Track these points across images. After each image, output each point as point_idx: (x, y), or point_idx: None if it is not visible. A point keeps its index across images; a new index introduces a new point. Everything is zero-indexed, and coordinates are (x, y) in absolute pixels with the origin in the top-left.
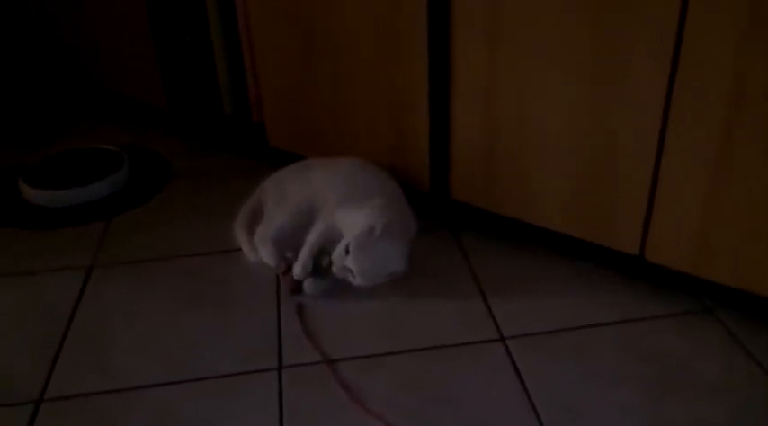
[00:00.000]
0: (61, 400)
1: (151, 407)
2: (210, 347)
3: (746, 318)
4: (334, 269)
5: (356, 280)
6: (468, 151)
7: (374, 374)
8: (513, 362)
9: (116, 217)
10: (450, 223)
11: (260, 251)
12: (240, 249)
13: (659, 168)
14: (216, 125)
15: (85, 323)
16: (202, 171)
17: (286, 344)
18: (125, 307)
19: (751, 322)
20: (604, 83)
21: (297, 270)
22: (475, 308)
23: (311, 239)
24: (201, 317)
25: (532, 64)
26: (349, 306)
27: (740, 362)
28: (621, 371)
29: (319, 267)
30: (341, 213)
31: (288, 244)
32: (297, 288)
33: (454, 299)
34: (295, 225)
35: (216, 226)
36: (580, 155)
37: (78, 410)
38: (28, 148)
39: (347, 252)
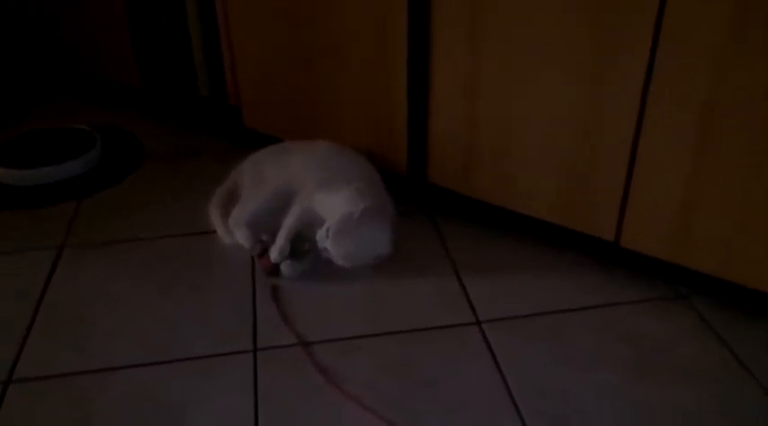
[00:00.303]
0: (32, 381)
1: (124, 388)
2: (185, 329)
3: (720, 305)
4: (320, 251)
5: (340, 262)
6: (447, 139)
7: (350, 357)
8: (489, 346)
9: (88, 197)
10: (428, 208)
11: (235, 233)
12: (215, 231)
13: (636, 156)
14: (191, 106)
15: (56, 303)
16: (177, 152)
17: (261, 326)
18: (97, 288)
19: (724, 308)
20: (579, 71)
21: (274, 253)
22: (451, 292)
23: (288, 223)
24: (176, 299)
25: (511, 60)
26: (325, 290)
27: (713, 348)
28: (596, 355)
29: (296, 250)
30: (319, 196)
31: (263, 226)
32: (273, 270)
33: (431, 283)
34: (271, 208)
35: (190, 208)
36: (558, 142)
37: (50, 390)
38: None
39: (328, 236)
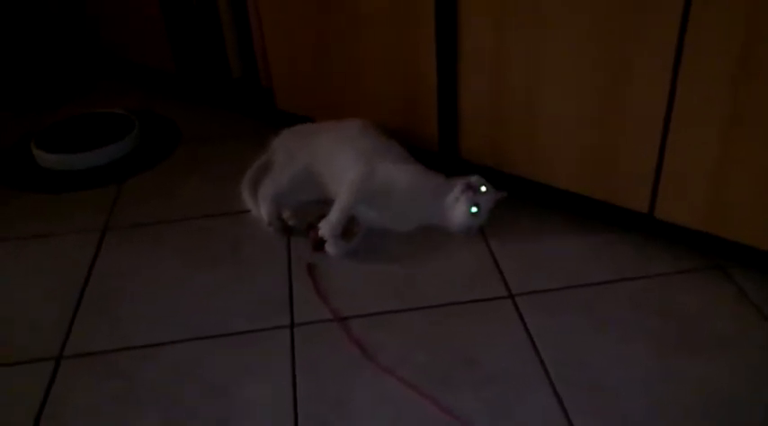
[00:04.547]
0: (80, 357)
1: (166, 364)
2: (223, 306)
3: (758, 275)
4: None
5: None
6: (477, 109)
7: (385, 331)
8: (522, 318)
9: (128, 180)
10: None
11: (260, 206)
12: (250, 210)
13: (668, 126)
14: (225, 89)
15: (101, 283)
16: (211, 134)
17: (298, 302)
18: (139, 268)
19: (762, 279)
20: (612, 38)
21: (325, 228)
22: (484, 267)
23: (345, 199)
24: (214, 277)
25: (541, 23)
26: (359, 265)
27: (750, 319)
28: (630, 328)
29: (346, 230)
30: (387, 166)
31: (290, 203)
32: (320, 245)
33: (464, 258)
34: (298, 184)
35: (226, 189)
36: (590, 112)
37: (96, 366)
38: (38, 113)
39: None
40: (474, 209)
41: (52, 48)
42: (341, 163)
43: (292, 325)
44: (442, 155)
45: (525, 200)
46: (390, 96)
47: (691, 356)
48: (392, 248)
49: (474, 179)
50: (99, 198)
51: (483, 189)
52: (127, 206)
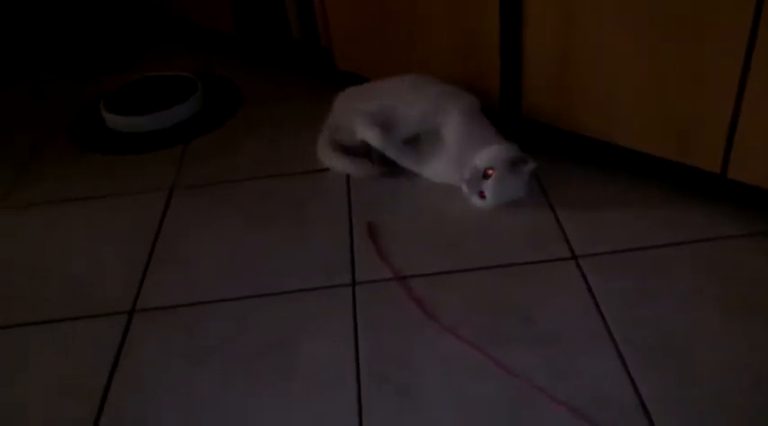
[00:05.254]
0: (150, 311)
1: (230, 319)
2: (285, 264)
3: None
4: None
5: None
6: (541, 66)
7: (446, 290)
8: (586, 280)
9: (193, 141)
10: (522, 142)
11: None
12: (311, 171)
13: (746, 80)
14: (285, 50)
15: (169, 240)
16: (272, 95)
17: (359, 261)
18: (205, 226)
19: None
20: None
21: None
22: (547, 227)
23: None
24: (276, 235)
25: None
26: (419, 225)
27: None
28: (698, 289)
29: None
30: (454, 114)
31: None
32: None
33: (526, 218)
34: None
35: (287, 149)
36: (662, 67)
37: (165, 320)
38: (104, 76)
39: (484, 176)
40: (479, 200)
41: (114, 13)
42: (408, 104)
43: (354, 284)
44: (504, 115)
45: (590, 160)
46: (451, 55)
47: (759, 320)
48: (453, 207)
49: (479, 161)
50: (165, 158)
51: (491, 171)
52: (192, 166)
